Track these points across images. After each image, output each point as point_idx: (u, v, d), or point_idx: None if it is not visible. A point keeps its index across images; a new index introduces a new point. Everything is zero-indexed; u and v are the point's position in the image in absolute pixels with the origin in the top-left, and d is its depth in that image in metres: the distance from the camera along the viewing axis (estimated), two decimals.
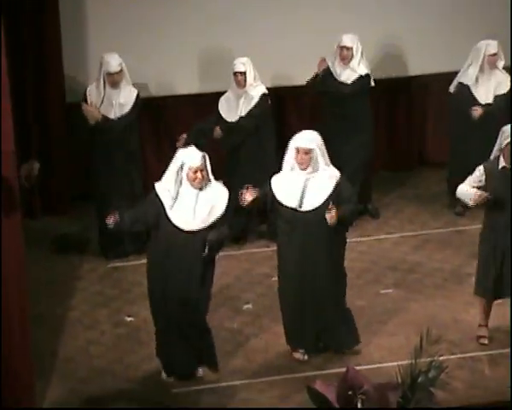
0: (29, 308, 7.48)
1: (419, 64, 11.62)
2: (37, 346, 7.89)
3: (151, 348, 8.18)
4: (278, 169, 8.09)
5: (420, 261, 9.78)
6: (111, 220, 7.71)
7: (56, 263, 9.91)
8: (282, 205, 7.90)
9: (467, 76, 10.40)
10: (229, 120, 9.99)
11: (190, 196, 7.56)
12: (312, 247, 7.88)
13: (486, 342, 8.34)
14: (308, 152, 7.81)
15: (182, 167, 7.57)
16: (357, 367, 7.21)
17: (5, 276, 7.03)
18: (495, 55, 10.33)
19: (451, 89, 10.58)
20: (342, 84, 10.29)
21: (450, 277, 9.35)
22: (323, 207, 7.80)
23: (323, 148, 7.93)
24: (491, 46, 10.33)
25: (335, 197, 7.82)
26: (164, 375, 7.98)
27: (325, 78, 10.30)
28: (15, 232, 7.14)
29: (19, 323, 7.24)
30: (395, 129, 11.79)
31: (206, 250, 7.50)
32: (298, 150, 7.82)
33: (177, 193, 7.58)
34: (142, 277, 9.22)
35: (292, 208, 7.85)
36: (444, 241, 10.07)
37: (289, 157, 7.93)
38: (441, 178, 11.10)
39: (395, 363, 7.54)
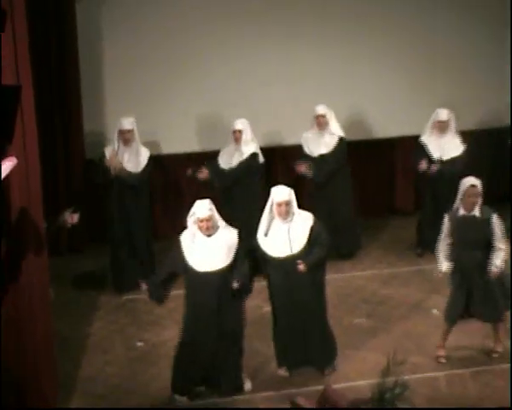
0: (54, 335, 7.52)
1: (387, 128, 11.69)
2: (61, 367, 7.91)
3: (159, 369, 8.17)
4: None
5: (388, 295, 9.73)
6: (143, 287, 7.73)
7: (77, 296, 9.90)
8: (272, 256, 7.84)
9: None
10: (223, 167, 10.16)
11: (202, 242, 7.55)
12: (299, 279, 7.81)
13: (444, 360, 8.29)
14: (288, 203, 7.79)
15: (194, 218, 7.58)
16: (334, 385, 7.20)
17: (33, 307, 7.05)
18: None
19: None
20: (323, 156, 10.32)
21: (413, 309, 9.29)
22: (306, 246, 7.80)
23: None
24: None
25: (312, 237, 7.82)
26: (177, 397, 7.80)
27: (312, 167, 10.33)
28: (42, 269, 7.16)
29: (45, 347, 7.23)
30: (367, 183, 11.82)
31: (236, 285, 7.49)
32: (279, 204, 7.77)
33: (193, 240, 7.57)
34: (151, 307, 9.16)
35: (283, 257, 7.80)
36: (407, 278, 10.04)
37: (268, 212, 7.86)
38: (405, 224, 11.17)
39: (366, 382, 7.62)
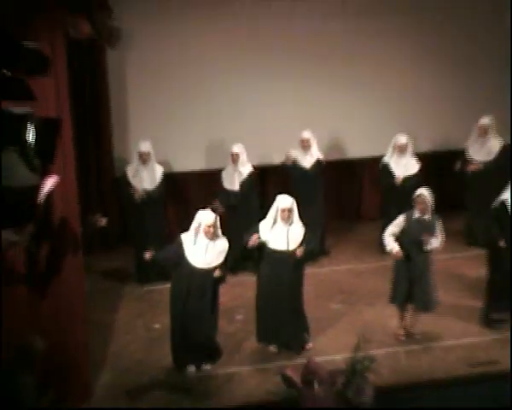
0: (87, 318, 7.57)
1: (358, 149, 11.65)
2: (93, 344, 7.92)
3: None
4: (259, 221, 8.12)
5: (359, 286, 9.82)
6: (147, 255, 7.82)
7: (106, 287, 9.96)
8: (271, 248, 7.98)
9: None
10: (229, 188, 10.16)
11: (203, 244, 7.66)
12: (284, 272, 7.98)
13: (403, 338, 8.41)
14: (290, 210, 8.01)
15: (200, 224, 7.67)
16: (315, 359, 7.34)
17: (71, 298, 7.18)
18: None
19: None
20: (303, 168, 10.41)
21: (379, 296, 9.16)
22: (299, 246, 7.98)
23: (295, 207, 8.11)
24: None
25: (305, 241, 8.01)
26: (190, 369, 7.92)
27: (292, 165, 10.46)
28: (78, 268, 7.27)
29: (80, 329, 7.36)
30: (341, 194, 11.96)
31: (217, 273, 7.63)
32: (283, 210, 7.98)
33: (195, 241, 7.69)
34: (166, 297, 9.12)
35: (280, 250, 7.99)
36: (375, 272, 10.03)
37: (274, 214, 8.01)
38: (373, 228, 10.96)
39: (341, 356, 7.73)
